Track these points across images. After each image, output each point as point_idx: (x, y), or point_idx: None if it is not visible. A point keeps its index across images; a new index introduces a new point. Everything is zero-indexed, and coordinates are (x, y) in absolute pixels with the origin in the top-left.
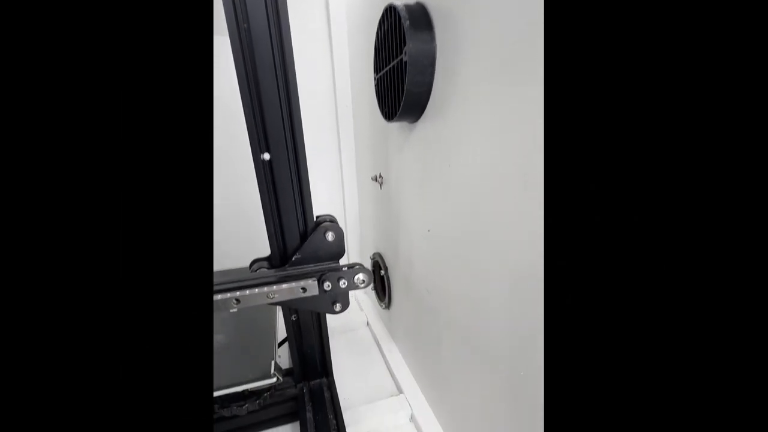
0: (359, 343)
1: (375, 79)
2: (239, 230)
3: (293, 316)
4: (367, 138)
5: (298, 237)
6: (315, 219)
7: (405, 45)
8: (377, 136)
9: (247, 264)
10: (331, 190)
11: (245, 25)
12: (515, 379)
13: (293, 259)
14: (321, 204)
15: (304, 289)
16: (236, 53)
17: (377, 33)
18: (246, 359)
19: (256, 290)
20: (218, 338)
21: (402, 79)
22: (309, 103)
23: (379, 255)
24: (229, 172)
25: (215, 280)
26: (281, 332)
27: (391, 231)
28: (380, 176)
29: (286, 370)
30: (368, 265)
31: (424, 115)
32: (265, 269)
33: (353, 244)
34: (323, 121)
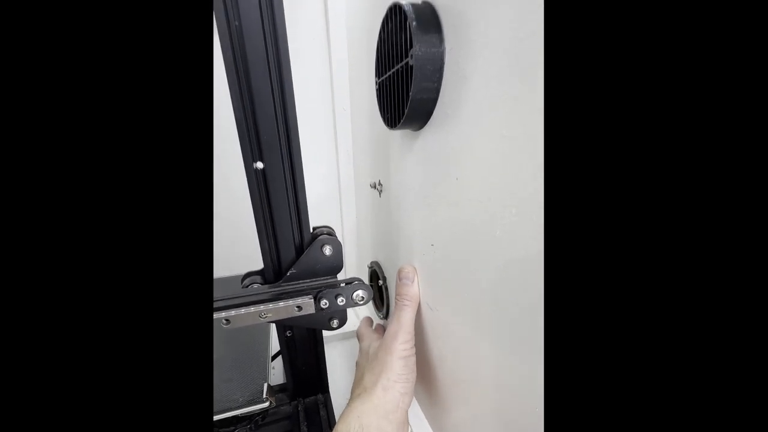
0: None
1: (376, 83)
2: (221, 231)
3: (288, 332)
4: (366, 143)
5: (294, 251)
6: (311, 231)
7: (411, 48)
8: (377, 142)
9: (231, 270)
10: (327, 195)
11: (236, 23)
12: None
13: (288, 274)
14: (316, 208)
15: (299, 308)
16: (226, 52)
17: (380, 34)
18: (236, 380)
19: (245, 310)
20: None
21: (407, 84)
22: (304, 106)
23: (377, 264)
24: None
25: None
26: (274, 344)
27: (390, 241)
28: (379, 183)
29: (280, 386)
30: (365, 274)
31: (429, 123)
32: (259, 284)
33: (350, 252)
34: (319, 124)
